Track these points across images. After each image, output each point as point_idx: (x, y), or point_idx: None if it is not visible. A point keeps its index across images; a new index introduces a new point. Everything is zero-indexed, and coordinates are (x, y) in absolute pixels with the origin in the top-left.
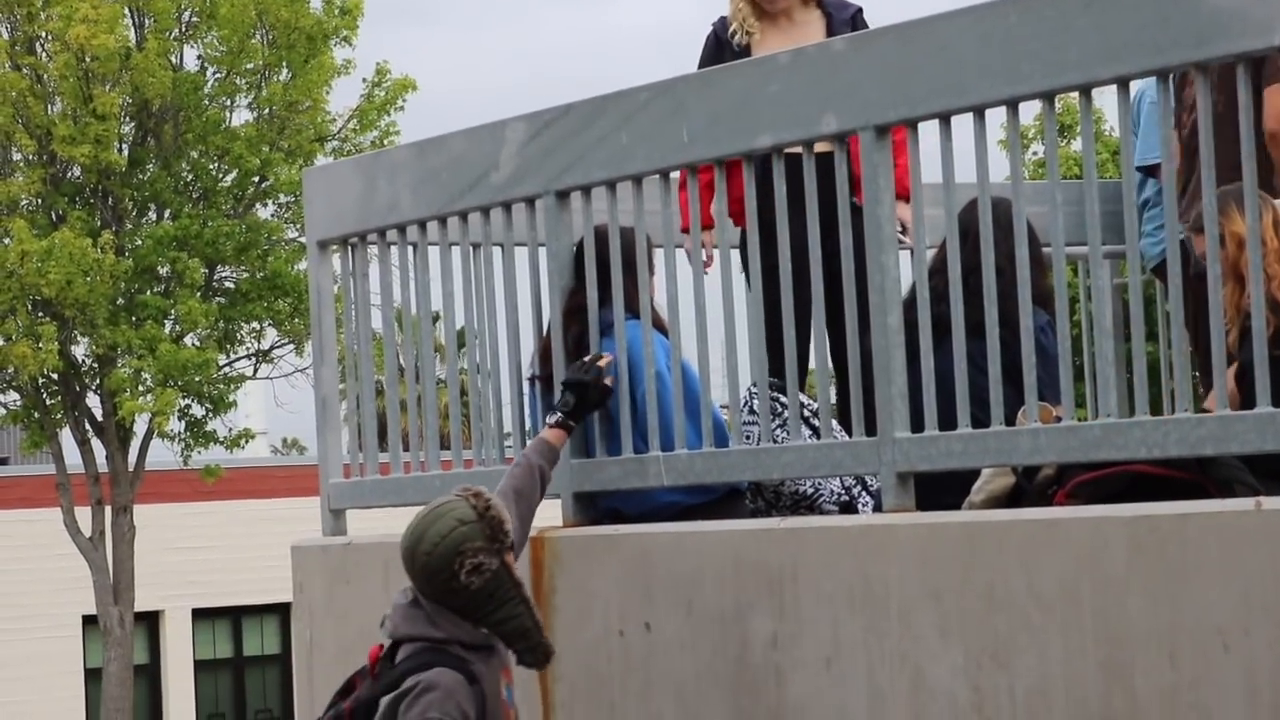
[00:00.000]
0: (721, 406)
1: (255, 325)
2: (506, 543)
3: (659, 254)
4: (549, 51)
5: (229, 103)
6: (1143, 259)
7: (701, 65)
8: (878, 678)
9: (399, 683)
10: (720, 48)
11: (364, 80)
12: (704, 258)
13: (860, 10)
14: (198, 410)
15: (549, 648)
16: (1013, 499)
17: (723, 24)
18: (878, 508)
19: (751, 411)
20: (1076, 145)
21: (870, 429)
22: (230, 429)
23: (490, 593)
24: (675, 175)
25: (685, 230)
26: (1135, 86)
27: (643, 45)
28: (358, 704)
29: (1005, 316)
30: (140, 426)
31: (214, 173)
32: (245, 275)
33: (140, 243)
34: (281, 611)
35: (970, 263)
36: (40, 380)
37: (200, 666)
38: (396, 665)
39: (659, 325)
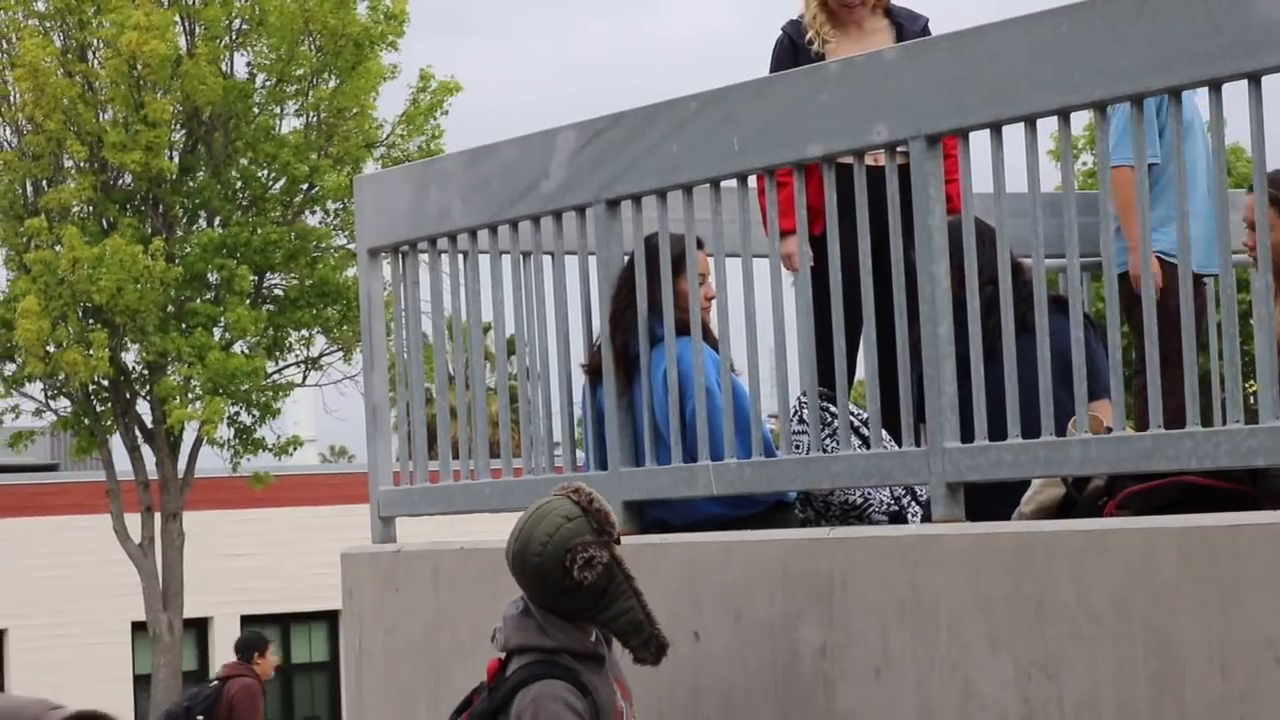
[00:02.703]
0: (769, 417)
1: (304, 332)
2: (614, 534)
3: (710, 262)
4: (589, 63)
5: (278, 110)
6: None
7: (774, 68)
8: (927, 688)
9: (510, 696)
10: (795, 51)
11: (409, 85)
12: (792, 263)
13: (928, 21)
14: (246, 418)
15: (664, 640)
16: (1063, 510)
17: (795, 27)
18: (927, 518)
19: (801, 421)
20: None
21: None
22: (279, 436)
23: (603, 588)
24: (728, 184)
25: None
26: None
27: (683, 56)
28: (474, 718)
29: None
30: (190, 433)
31: (263, 180)
32: (294, 282)
33: (190, 249)
34: (329, 619)
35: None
36: (91, 387)
37: None
38: (507, 679)
39: (708, 338)
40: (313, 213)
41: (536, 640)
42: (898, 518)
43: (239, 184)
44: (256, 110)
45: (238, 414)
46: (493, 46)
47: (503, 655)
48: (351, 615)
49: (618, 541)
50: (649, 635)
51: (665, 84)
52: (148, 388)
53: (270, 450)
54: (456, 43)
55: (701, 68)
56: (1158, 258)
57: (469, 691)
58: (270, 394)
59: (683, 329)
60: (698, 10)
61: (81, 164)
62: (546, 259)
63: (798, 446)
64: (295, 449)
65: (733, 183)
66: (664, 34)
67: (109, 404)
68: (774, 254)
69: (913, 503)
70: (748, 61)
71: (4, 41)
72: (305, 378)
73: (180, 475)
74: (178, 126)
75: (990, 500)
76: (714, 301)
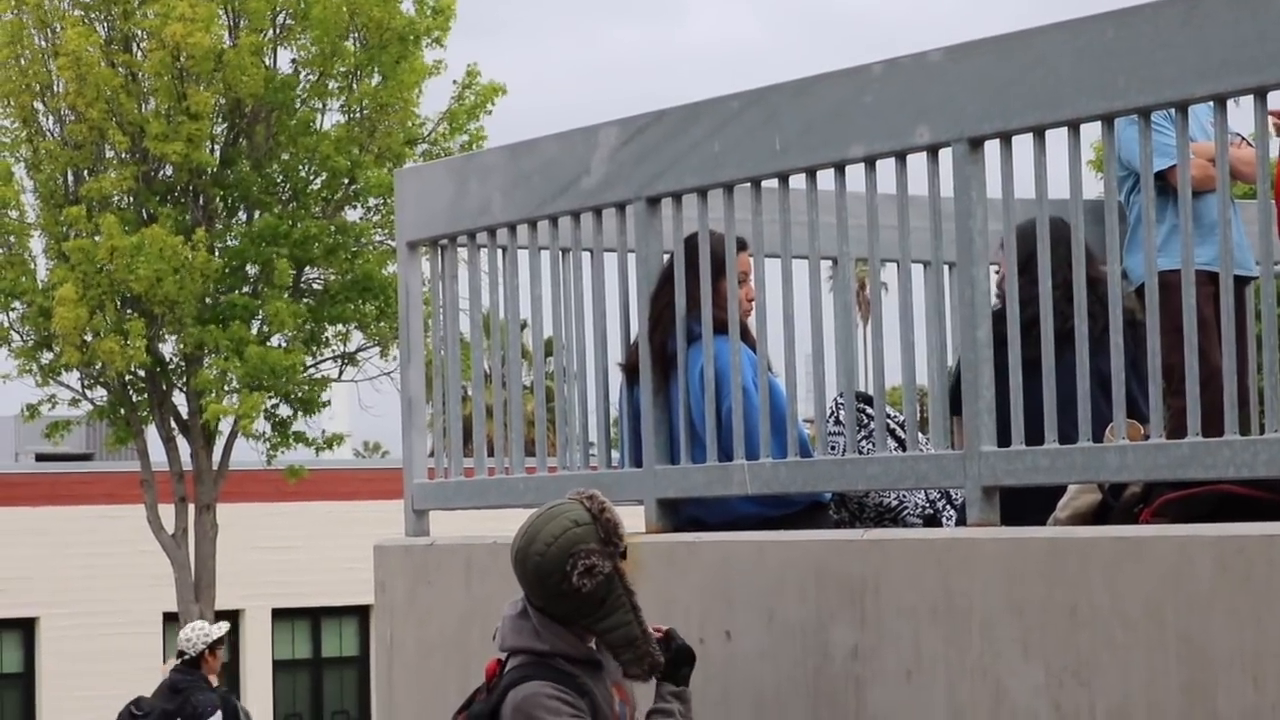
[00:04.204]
0: (805, 421)
1: (341, 328)
2: (620, 547)
3: (751, 262)
4: (615, 69)
5: (320, 105)
6: (1127, 277)
7: None
8: (958, 692)
9: (504, 696)
10: None
11: (454, 83)
12: None
13: None
14: (284, 410)
15: (656, 658)
16: (1098, 516)
17: None
18: (961, 521)
19: (838, 422)
20: None
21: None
22: (323, 431)
23: (602, 597)
24: (769, 183)
25: None
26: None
27: (708, 63)
28: (471, 718)
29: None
30: (225, 425)
31: (304, 174)
32: (334, 277)
33: (230, 242)
34: (360, 614)
35: (1059, 278)
36: (127, 377)
37: (279, 666)
38: (503, 678)
39: (746, 338)
40: (353, 208)
41: (530, 643)
42: (932, 521)
43: (280, 178)
44: (299, 104)
45: (275, 407)
46: (518, 49)
47: (503, 656)
48: (383, 608)
49: (624, 555)
50: (642, 652)
51: (688, 91)
52: (184, 379)
53: (310, 445)
54: (481, 44)
55: (723, 74)
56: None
57: (473, 690)
58: (310, 388)
59: (721, 328)
60: (720, 18)
61: (123, 154)
62: (585, 255)
63: (833, 447)
64: (337, 444)
65: (774, 182)
66: (687, 41)
67: (145, 394)
68: (813, 254)
69: (947, 506)
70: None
71: (48, 31)
72: (341, 373)
73: (215, 467)
74: (219, 119)
75: (1024, 509)
76: (754, 303)
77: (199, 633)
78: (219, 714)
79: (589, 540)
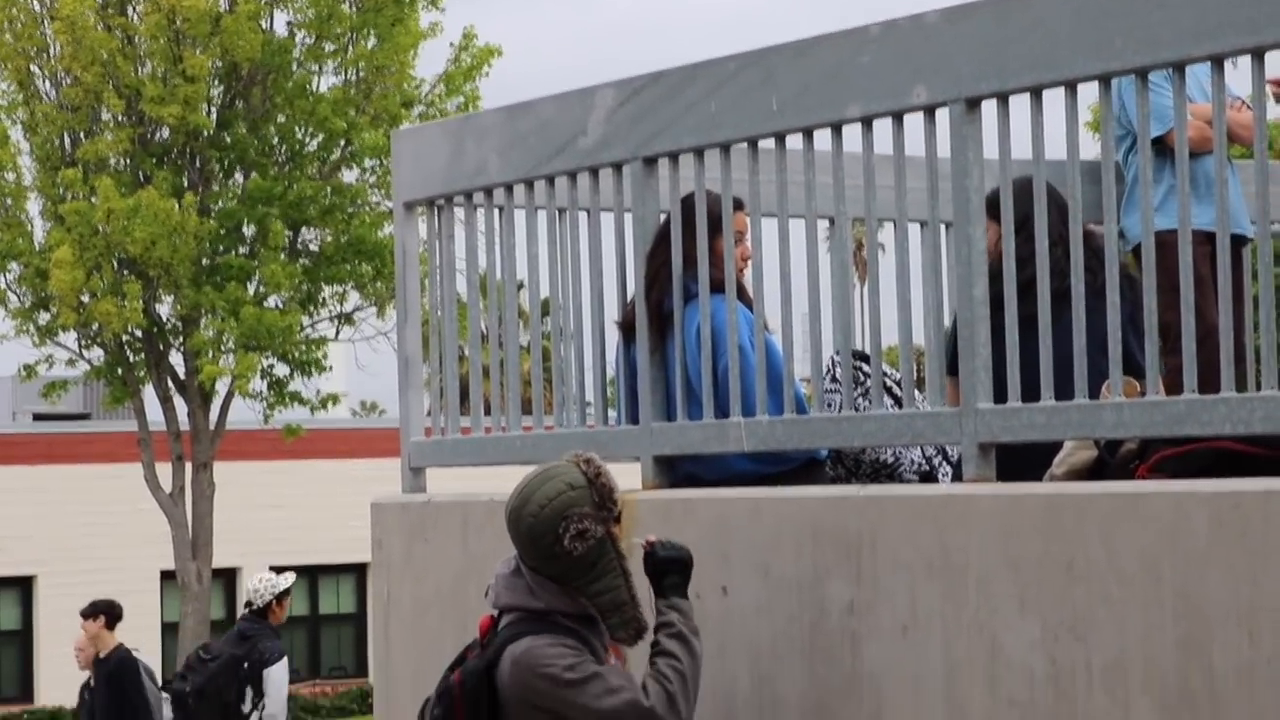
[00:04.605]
0: (802, 380)
1: (338, 288)
2: (614, 511)
3: (747, 221)
4: (612, 33)
5: (316, 67)
6: (1124, 237)
7: None
8: (954, 647)
9: (500, 652)
10: None
11: (450, 45)
12: None
13: None
14: (281, 370)
15: (642, 623)
16: (1094, 473)
17: None
18: (958, 478)
19: (834, 379)
20: None
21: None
22: (318, 391)
23: (593, 561)
24: (765, 144)
25: None
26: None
27: (707, 28)
28: (466, 675)
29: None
30: (222, 386)
31: (300, 136)
32: (329, 239)
33: (224, 203)
34: (357, 571)
35: (1054, 235)
36: (124, 338)
37: None
38: (498, 634)
39: (743, 297)
40: (349, 169)
41: (525, 600)
42: (928, 477)
43: (276, 140)
44: (295, 67)
45: (271, 367)
46: (514, 12)
47: (495, 612)
48: (380, 564)
49: (618, 520)
50: (629, 616)
51: (685, 56)
52: (181, 340)
53: (306, 404)
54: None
55: (722, 38)
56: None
57: (463, 648)
58: (307, 348)
59: (718, 287)
60: None
61: (119, 117)
62: (582, 215)
63: (830, 405)
64: (333, 404)
65: (770, 143)
66: (685, 4)
67: (142, 355)
68: (810, 214)
69: (944, 463)
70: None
71: None
72: (338, 333)
73: (212, 426)
74: (216, 82)
75: (1021, 466)
76: (749, 262)
77: (266, 584)
78: (284, 660)
79: (583, 504)
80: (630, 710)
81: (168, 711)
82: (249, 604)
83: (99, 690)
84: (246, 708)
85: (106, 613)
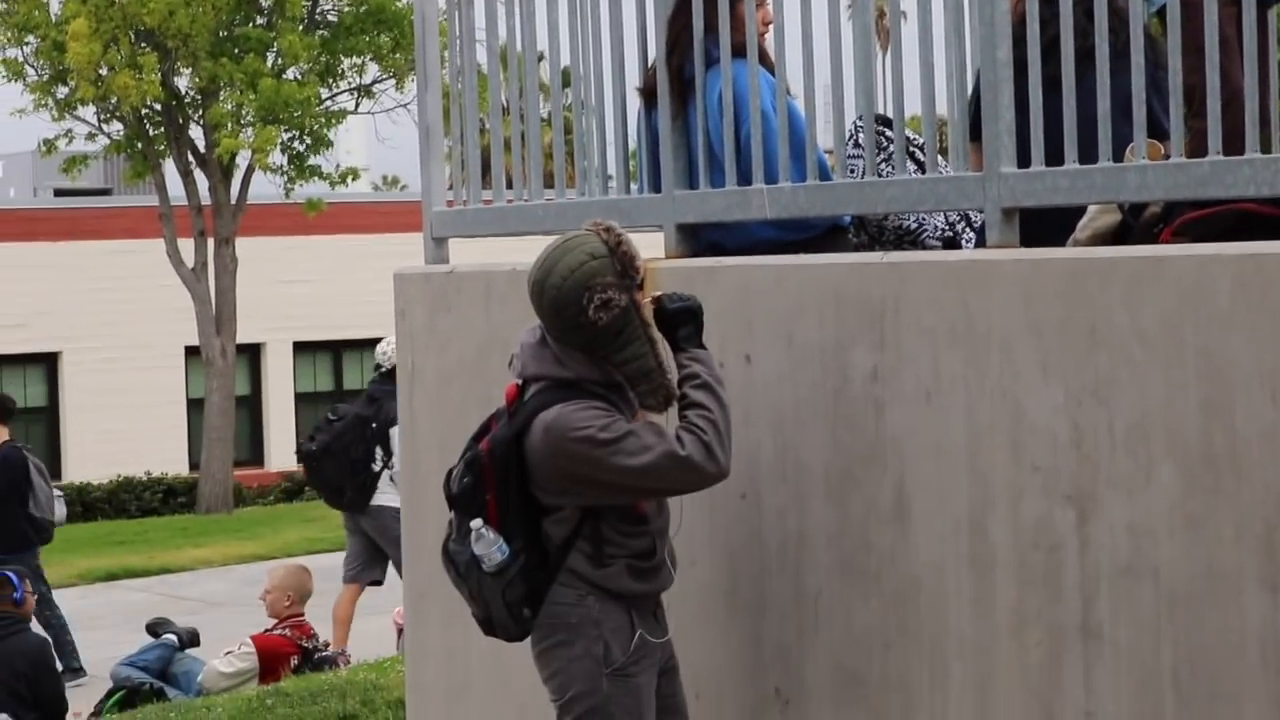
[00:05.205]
0: (825, 150)
1: (356, 60)
2: (637, 279)
3: None
4: None
5: None
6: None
7: None
8: (977, 412)
9: (530, 420)
10: None
11: None
12: None
13: None
14: (300, 145)
15: (671, 389)
16: (1118, 237)
17: None
18: (981, 243)
19: (857, 145)
20: None
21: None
22: (337, 165)
23: (618, 330)
24: None
25: None
26: None
27: None
28: (494, 443)
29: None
30: (242, 159)
31: None
32: (347, 8)
33: None
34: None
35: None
36: (143, 111)
37: (300, 398)
38: (526, 403)
39: (764, 61)
40: None
41: (552, 370)
42: (952, 244)
43: None
44: None
45: (291, 141)
46: None
47: (520, 381)
48: (404, 335)
49: (641, 287)
50: (658, 383)
51: None
52: (200, 113)
53: (325, 179)
54: None
55: None
56: None
57: (487, 417)
58: (322, 121)
59: (739, 51)
60: None
61: None
62: None
63: (852, 171)
64: (353, 179)
65: None
66: None
67: (162, 129)
68: None
69: (967, 229)
70: None
71: None
72: (358, 105)
73: (233, 201)
74: None
75: (1045, 231)
76: (770, 26)
77: (395, 346)
78: None
79: (605, 273)
80: (668, 462)
81: (60, 509)
82: (378, 366)
83: None
84: (377, 466)
85: None
